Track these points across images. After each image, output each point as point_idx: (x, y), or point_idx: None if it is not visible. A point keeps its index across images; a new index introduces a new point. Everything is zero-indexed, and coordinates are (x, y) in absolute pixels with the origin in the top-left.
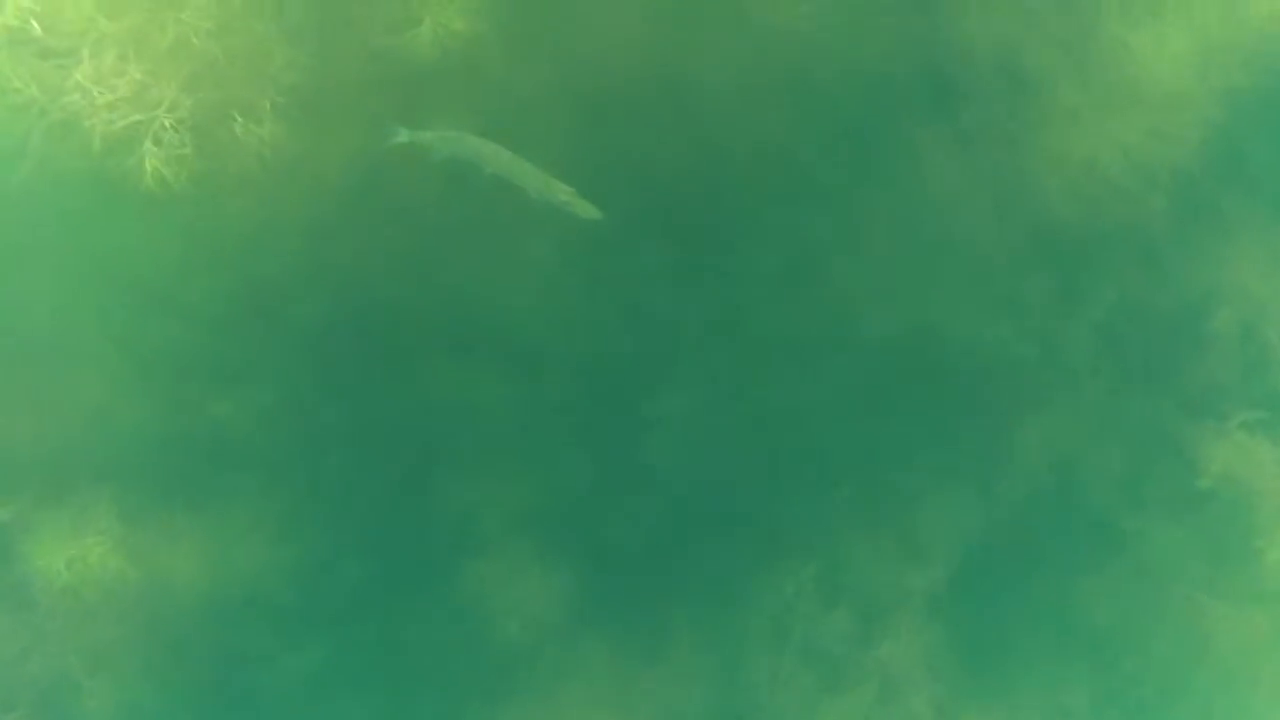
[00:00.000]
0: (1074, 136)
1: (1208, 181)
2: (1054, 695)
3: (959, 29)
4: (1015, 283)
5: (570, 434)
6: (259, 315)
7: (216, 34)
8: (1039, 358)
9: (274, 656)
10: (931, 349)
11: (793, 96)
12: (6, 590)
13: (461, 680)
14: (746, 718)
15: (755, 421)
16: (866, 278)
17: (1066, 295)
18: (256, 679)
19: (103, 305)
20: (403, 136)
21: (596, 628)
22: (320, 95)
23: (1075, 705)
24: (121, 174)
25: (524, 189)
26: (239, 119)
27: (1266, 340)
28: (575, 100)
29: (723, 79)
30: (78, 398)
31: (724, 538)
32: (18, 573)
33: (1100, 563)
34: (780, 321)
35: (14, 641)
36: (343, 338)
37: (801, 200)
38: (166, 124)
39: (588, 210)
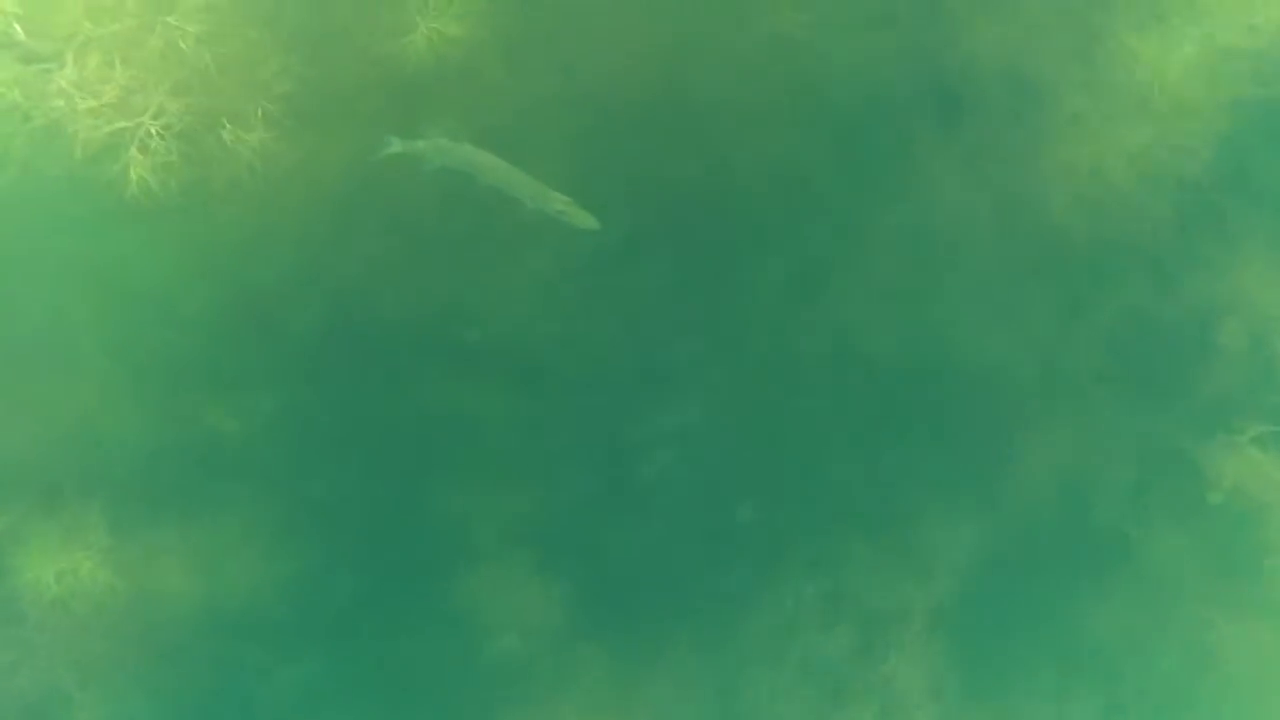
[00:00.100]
0: (1080, 146)
1: (1215, 192)
2: (1058, 710)
3: (964, 38)
4: (1020, 294)
5: (568, 447)
6: (252, 325)
7: (206, 40)
8: (1044, 370)
9: (268, 669)
10: (935, 361)
11: (795, 106)
12: None
13: (457, 693)
14: None
15: (756, 434)
16: (869, 290)
17: (1072, 306)
18: (250, 691)
19: (92, 314)
20: (395, 146)
21: (594, 640)
22: (313, 103)
23: None
24: (106, 181)
25: (519, 199)
26: (228, 126)
27: (1275, 352)
28: (573, 109)
29: (724, 88)
30: (67, 408)
31: (724, 551)
32: (7, 586)
33: (1106, 577)
34: (782, 333)
35: (3, 654)
36: (338, 348)
37: (803, 212)
38: (153, 131)
39: (585, 220)
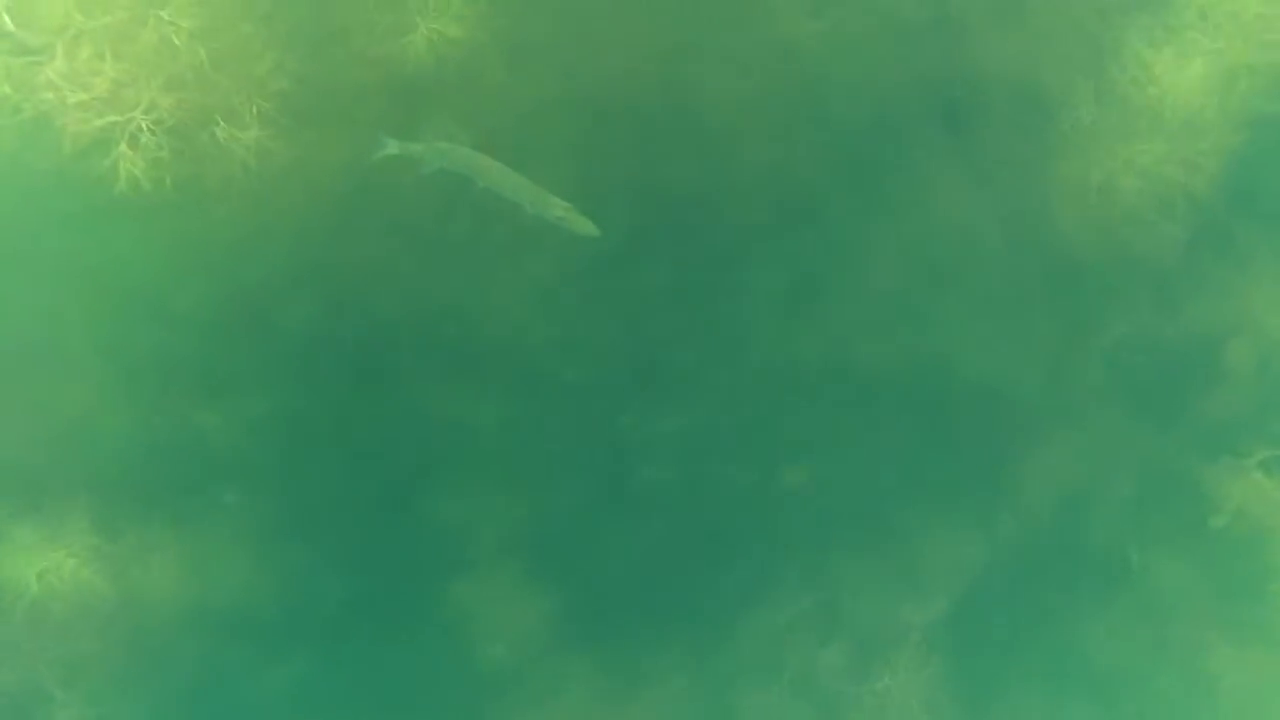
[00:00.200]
0: (1088, 161)
1: (1224, 210)
2: None
3: (973, 50)
4: (1023, 309)
5: (563, 454)
6: (245, 325)
7: (201, 35)
8: (1046, 387)
9: (255, 672)
10: (936, 377)
11: (799, 114)
12: None
13: (445, 701)
14: None
15: (753, 447)
16: (870, 301)
17: (1076, 323)
18: (236, 694)
19: (82, 311)
20: (391, 148)
21: (585, 652)
22: (310, 101)
23: None
24: (96, 177)
25: (518, 204)
26: (221, 123)
27: None
28: (575, 113)
29: (728, 94)
30: (54, 405)
31: (719, 564)
32: None
33: (1105, 599)
34: (781, 346)
35: None
36: (332, 349)
37: (805, 221)
38: (143, 126)
39: (584, 226)
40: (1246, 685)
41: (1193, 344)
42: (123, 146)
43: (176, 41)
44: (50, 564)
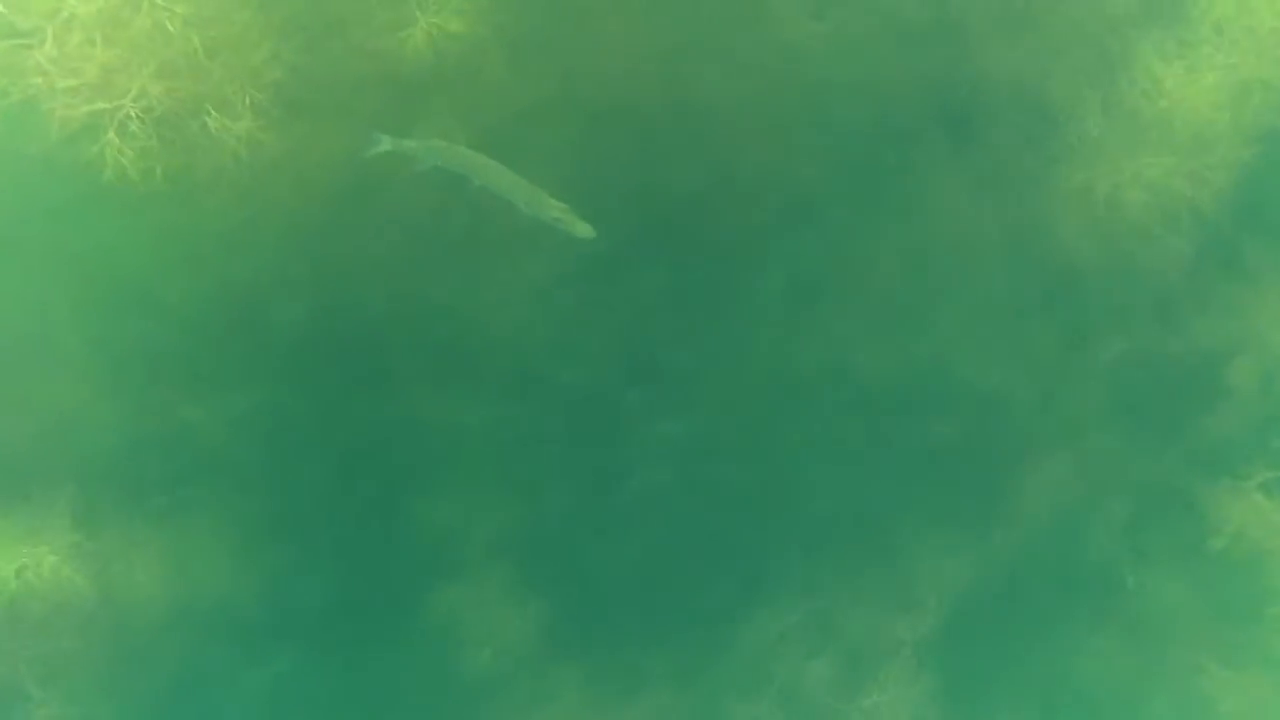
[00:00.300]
0: (1094, 173)
1: (1232, 226)
2: None
3: (980, 58)
4: (1023, 322)
5: (554, 459)
6: (234, 319)
7: (195, 22)
8: (1044, 402)
9: (237, 672)
10: (933, 386)
11: (802, 118)
12: None
13: (429, 706)
14: None
15: (746, 455)
16: (868, 310)
17: (1077, 338)
18: (218, 695)
19: (67, 301)
20: (385, 145)
21: (571, 661)
22: (305, 93)
23: None
24: (83, 164)
25: (514, 204)
26: (213, 113)
27: None
28: (574, 112)
29: (730, 96)
30: (36, 399)
31: (708, 574)
32: None
33: (1098, 617)
34: (777, 354)
35: None
36: (322, 346)
37: (804, 227)
38: (132, 114)
39: (581, 229)
40: (1243, 710)
41: (1195, 361)
42: (111, 134)
43: (170, 28)
44: (30, 560)
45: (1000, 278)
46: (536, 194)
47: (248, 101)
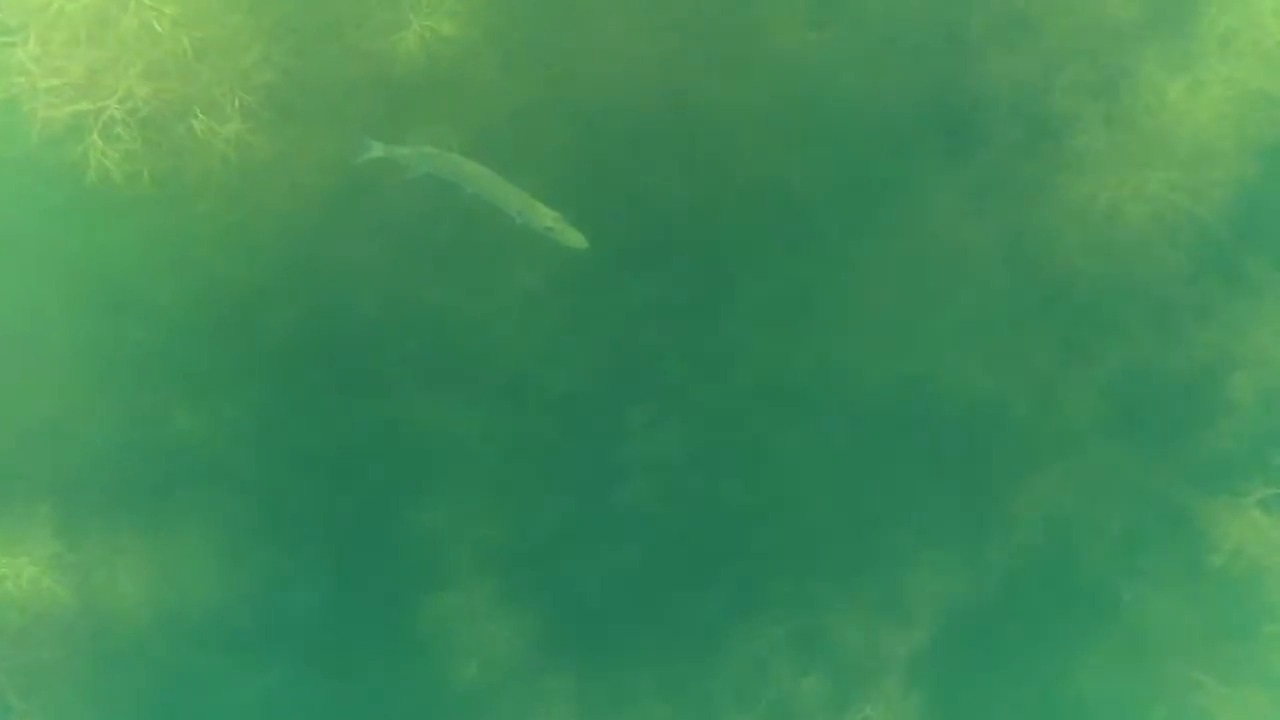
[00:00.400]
0: (1095, 185)
1: (1233, 240)
2: None
3: (981, 69)
4: (1020, 335)
5: (545, 470)
6: (223, 324)
7: (184, 23)
8: (1041, 415)
9: (223, 683)
10: (928, 401)
11: (798, 127)
12: None
13: (418, 717)
14: None
15: (738, 466)
16: (863, 324)
17: (1075, 351)
18: (204, 706)
19: (54, 305)
20: (376, 151)
21: (559, 673)
22: (295, 96)
23: None
24: (66, 167)
25: (506, 212)
26: (200, 116)
27: None
28: (569, 118)
29: (727, 104)
30: (21, 404)
31: (698, 588)
32: None
33: (1093, 632)
34: (770, 365)
35: None
36: (312, 353)
37: (800, 237)
38: (117, 115)
39: (573, 238)
40: None
41: (1194, 375)
42: (94, 136)
43: (158, 28)
44: (9, 570)
45: (998, 289)
46: (529, 202)
47: (237, 104)
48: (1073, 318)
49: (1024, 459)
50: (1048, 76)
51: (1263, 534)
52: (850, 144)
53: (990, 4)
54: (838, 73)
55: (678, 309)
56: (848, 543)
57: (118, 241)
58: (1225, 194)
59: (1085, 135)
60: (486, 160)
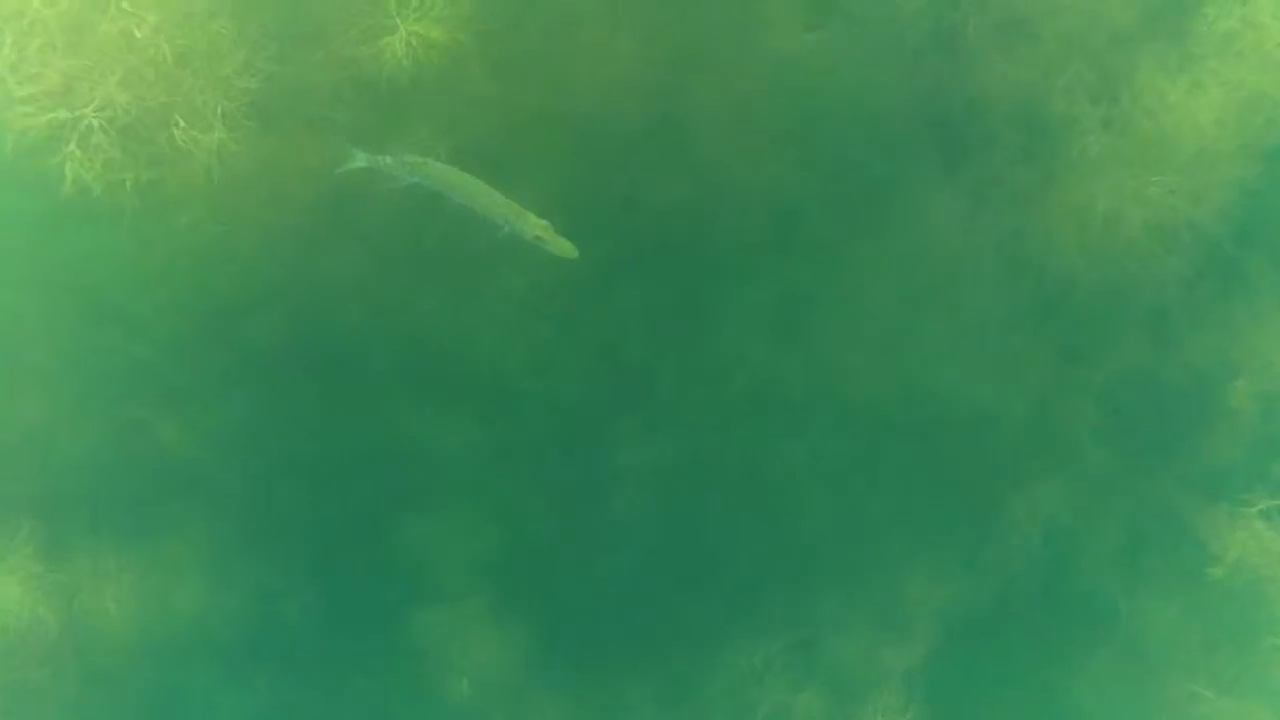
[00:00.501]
0: (1093, 190)
1: (1233, 245)
2: None
3: (978, 73)
4: (1017, 342)
5: (536, 482)
6: (208, 336)
7: (165, 29)
8: (1037, 424)
9: (212, 698)
10: (923, 407)
11: (793, 132)
12: None
13: None
14: None
15: (732, 477)
16: (858, 332)
17: (1072, 359)
18: None
19: (34, 317)
20: (360, 160)
21: (551, 690)
22: (279, 104)
23: None
24: (43, 177)
25: (494, 222)
26: (182, 124)
27: None
28: (558, 124)
29: (720, 108)
30: (3, 419)
31: (692, 601)
32: None
33: (1091, 644)
34: (765, 372)
35: None
36: (299, 364)
37: (793, 244)
38: (95, 124)
39: (564, 249)
40: None
41: (1193, 382)
42: (72, 146)
43: (138, 34)
44: None
45: (993, 295)
46: (518, 212)
47: (219, 112)
48: (1071, 324)
49: (1022, 467)
50: (1046, 79)
51: (1265, 546)
52: (845, 147)
53: (987, 6)
54: (833, 75)
55: (670, 316)
56: (844, 553)
57: (99, 252)
58: (1226, 197)
59: (1084, 139)
60: (475, 168)
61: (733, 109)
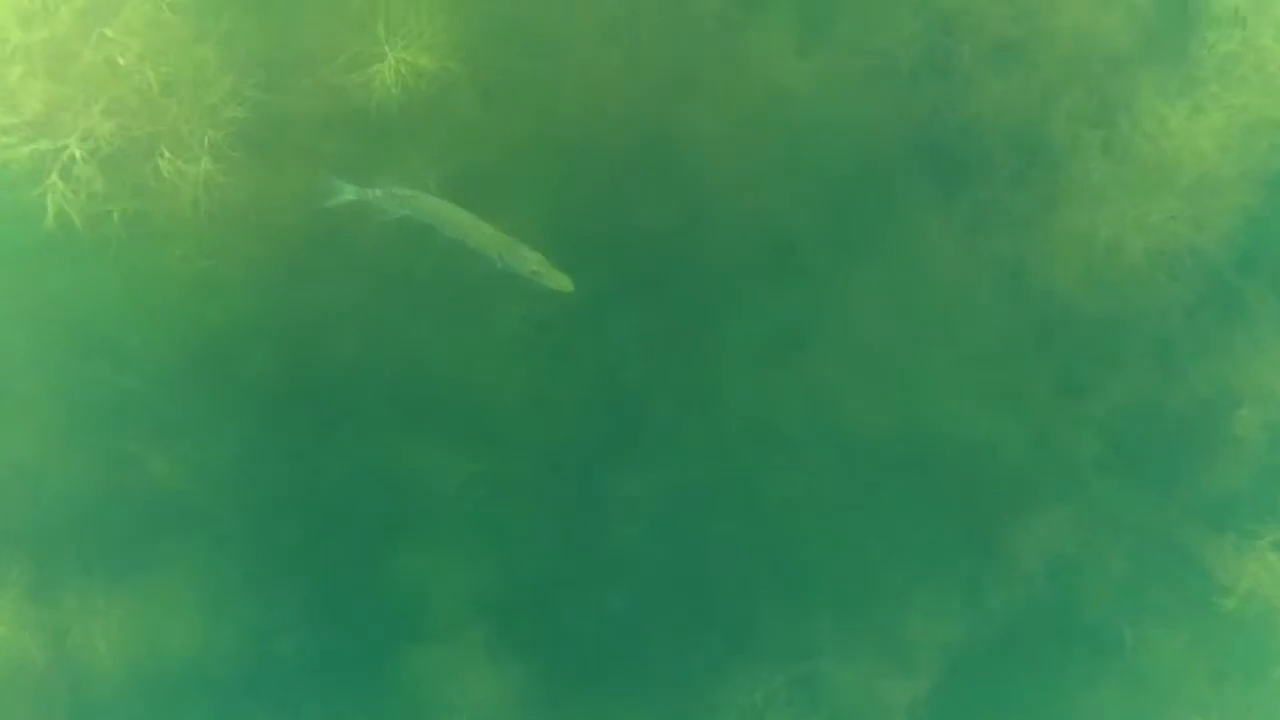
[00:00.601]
0: (1093, 217)
1: (1236, 272)
2: None
3: (973, 98)
4: (1017, 371)
5: (532, 516)
6: (199, 368)
7: (149, 56)
8: (1039, 454)
9: None
10: (922, 438)
11: (786, 160)
12: None
13: None
14: None
15: (729, 512)
16: (854, 359)
17: (1073, 388)
18: None
19: (21, 351)
20: (348, 194)
21: None
22: (267, 133)
23: None
24: (25, 210)
25: (487, 256)
26: (166, 154)
27: None
28: (552, 153)
29: (713, 136)
30: None
31: (690, 636)
32: None
33: (1096, 676)
34: (761, 403)
35: None
36: (291, 398)
37: (788, 273)
38: (77, 155)
39: (559, 281)
40: None
41: (1198, 411)
42: (54, 177)
43: (122, 61)
44: None
45: (992, 324)
46: (511, 245)
47: (205, 142)
48: (1071, 353)
49: (1024, 498)
50: (1044, 104)
51: (1277, 576)
52: (839, 174)
53: (983, 30)
54: (826, 100)
55: (666, 346)
56: (845, 587)
57: (88, 284)
58: (1229, 223)
59: (1083, 164)
60: (466, 199)
61: (726, 135)
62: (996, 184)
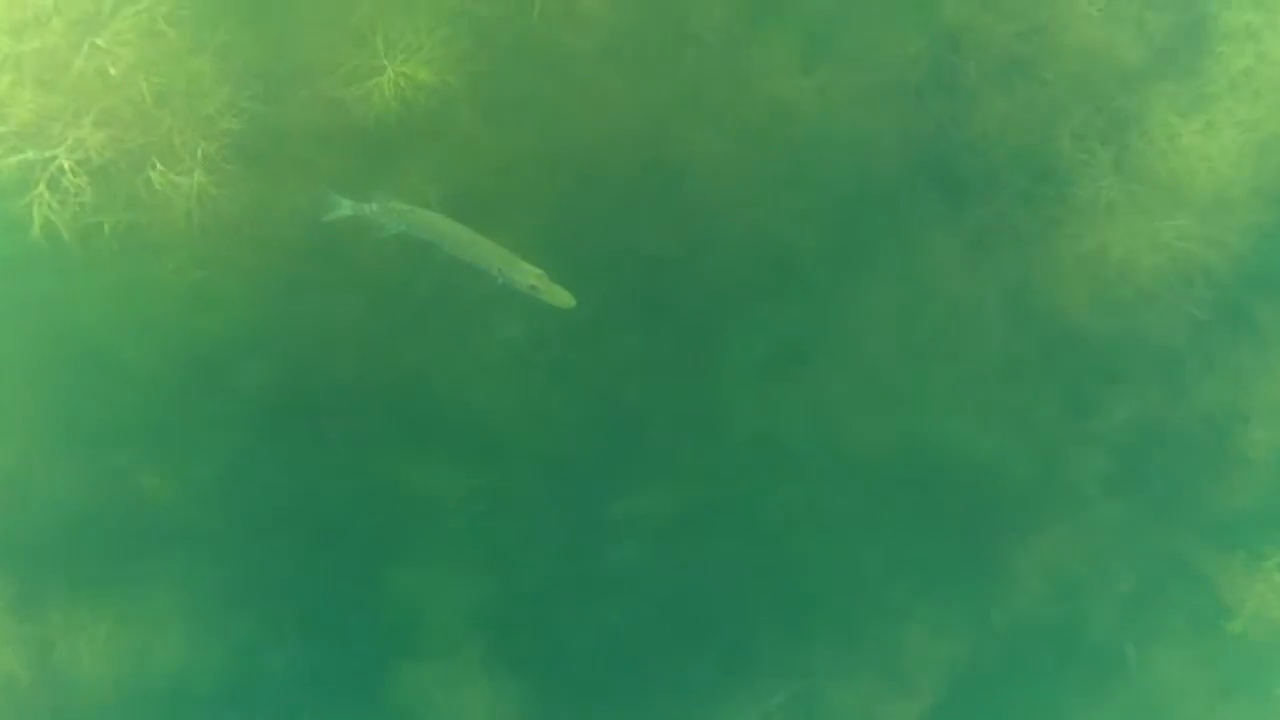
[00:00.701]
0: (1103, 235)
1: (1247, 291)
2: None
3: (980, 114)
4: (1023, 391)
5: (530, 533)
6: (192, 383)
7: (143, 66)
8: (1045, 473)
9: None
10: (926, 457)
11: (789, 177)
12: None
13: None
14: None
15: (730, 527)
16: (858, 378)
17: (1080, 407)
18: None
19: (11, 363)
20: (344, 209)
21: None
22: (262, 146)
23: None
24: (11, 221)
25: (487, 272)
26: (159, 166)
27: None
28: (553, 169)
29: (716, 153)
30: None
31: (690, 655)
32: None
33: (1101, 698)
34: (763, 421)
35: None
36: (286, 413)
37: (791, 292)
38: (66, 165)
39: (559, 298)
40: None
41: (1206, 430)
42: (41, 188)
43: (114, 71)
44: None
45: (997, 344)
46: (511, 261)
47: (199, 154)
48: (1079, 372)
49: (1028, 517)
50: (1052, 122)
51: None
52: (843, 190)
53: (989, 47)
54: (830, 118)
55: (667, 363)
56: (844, 605)
57: (77, 296)
58: (1241, 241)
59: (1093, 182)
60: (465, 214)
61: (728, 154)
62: (1002, 201)
